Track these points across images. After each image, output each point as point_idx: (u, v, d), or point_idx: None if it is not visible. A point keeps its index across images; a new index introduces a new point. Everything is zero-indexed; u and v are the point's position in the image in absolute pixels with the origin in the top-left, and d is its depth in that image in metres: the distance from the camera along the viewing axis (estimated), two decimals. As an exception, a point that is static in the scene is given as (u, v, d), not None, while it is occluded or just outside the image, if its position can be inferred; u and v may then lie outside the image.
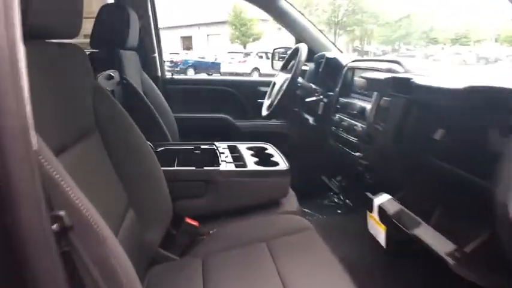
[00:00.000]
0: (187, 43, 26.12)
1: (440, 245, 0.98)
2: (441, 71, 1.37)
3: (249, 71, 16.35)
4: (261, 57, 17.41)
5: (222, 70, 16.45)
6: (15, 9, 0.43)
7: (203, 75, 12.90)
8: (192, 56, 18.35)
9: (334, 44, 2.33)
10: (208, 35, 26.87)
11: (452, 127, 1.06)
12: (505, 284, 0.93)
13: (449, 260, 0.93)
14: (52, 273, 0.49)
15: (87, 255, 0.60)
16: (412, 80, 1.02)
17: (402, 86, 1.07)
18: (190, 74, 16.22)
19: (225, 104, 2.48)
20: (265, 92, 2.21)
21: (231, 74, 15.38)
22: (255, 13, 21.58)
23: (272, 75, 2.30)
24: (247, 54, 17.64)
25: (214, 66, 17.15)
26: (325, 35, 2.32)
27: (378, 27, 27.11)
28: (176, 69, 15.81)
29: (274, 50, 2.65)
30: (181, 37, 26.13)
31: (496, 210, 0.82)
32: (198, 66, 17.27)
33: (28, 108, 0.44)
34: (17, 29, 0.43)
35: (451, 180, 1.08)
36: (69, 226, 0.55)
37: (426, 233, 1.04)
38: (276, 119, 2.37)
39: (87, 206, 0.65)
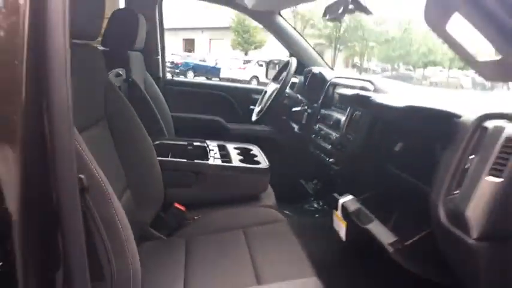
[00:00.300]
0: (189, 46, 26.27)
1: (385, 237, 1.17)
2: (406, 91, 1.57)
3: (248, 79, 16.47)
4: (261, 65, 17.49)
5: (221, 75, 16.46)
6: (67, 17, 0.61)
7: (202, 79, 13.01)
8: (193, 59, 18.40)
9: (322, 58, 2.53)
10: (210, 39, 27.04)
11: (406, 140, 1.25)
12: (436, 273, 1.12)
13: (389, 249, 1.12)
14: (77, 229, 0.66)
15: (97, 215, 0.78)
16: (371, 98, 1.21)
17: (363, 102, 1.27)
18: (190, 77, 16.31)
19: (219, 107, 2.67)
20: (257, 99, 2.41)
21: (230, 80, 15.50)
22: (259, 21, 21.76)
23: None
24: (247, 62, 17.76)
25: (214, 71, 17.15)
26: (316, 51, 2.52)
27: (378, 45, 27.43)
28: (176, 70, 15.88)
29: (269, 60, 2.84)
30: (183, 39, 26.29)
31: (431, 211, 1.02)
32: (198, 70, 17.29)
33: (70, 96, 0.63)
34: (68, 34, 0.61)
35: (403, 185, 1.27)
36: (86, 187, 0.73)
37: (376, 227, 1.23)
38: (265, 125, 2.56)
39: (100, 174, 0.83)
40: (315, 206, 2.31)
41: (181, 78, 5.04)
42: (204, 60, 18.59)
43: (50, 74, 0.59)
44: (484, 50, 0.94)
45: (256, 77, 16.71)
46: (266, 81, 2.75)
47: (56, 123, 0.60)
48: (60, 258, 0.65)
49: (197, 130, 2.40)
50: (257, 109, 2.28)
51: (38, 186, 0.62)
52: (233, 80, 15.30)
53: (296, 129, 2.26)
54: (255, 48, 25.89)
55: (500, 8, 0.74)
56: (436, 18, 0.89)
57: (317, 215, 2.29)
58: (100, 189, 0.82)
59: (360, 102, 1.31)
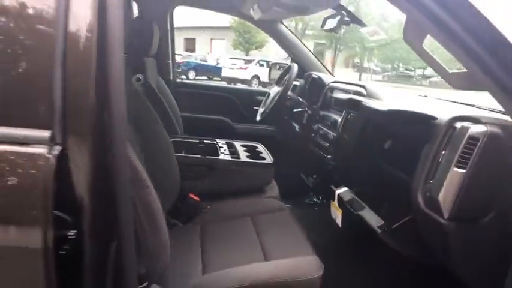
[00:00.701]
0: (190, 45, 26.38)
1: (375, 221, 1.37)
2: (395, 95, 1.76)
3: (249, 78, 16.60)
4: (261, 65, 17.61)
5: (222, 75, 16.52)
6: (122, 42, 0.79)
7: (208, 82, 13.05)
8: (194, 58, 18.46)
9: (322, 63, 2.71)
10: (212, 39, 27.16)
11: (394, 139, 1.45)
12: (416, 251, 1.31)
13: (378, 230, 1.31)
14: (129, 214, 0.84)
15: (138, 200, 0.96)
16: (362, 102, 1.41)
17: (355, 106, 1.46)
18: (191, 76, 16.41)
19: (225, 108, 2.86)
20: (261, 101, 2.60)
21: (231, 79, 15.58)
22: (260, 22, 21.84)
23: (270, 84, 2.68)
24: (248, 62, 17.86)
25: (216, 71, 17.21)
26: (316, 56, 2.71)
27: (378, 45, 27.56)
28: (178, 70, 15.94)
29: (272, 63, 3.04)
30: (184, 38, 26.41)
31: (411, 198, 1.21)
32: (199, 69, 17.38)
33: (124, 102, 0.81)
34: (122, 55, 0.80)
35: (392, 178, 1.46)
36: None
37: (367, 214, 1.43)
38: (268, 125, 2.75)
39: (140, 167, 1.02)
40: (314, 199, 2.50)
41: (190, 81, 5.20)
42: (205, 60, 18.67)
43: (110, 85, 0.78)
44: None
45: (257, 77, 16.81)
46: (267, 80, 2.93)
47: (114, 124, 0.79)
48: (114, 233, 0.83)
49: (205, 129, 2.58)
50: (261, 110, 2.47)
51: (102, 174, 0.80)
52: (234, 80, 15.45)
53: (297, 129, 2.45)
54: (256, 48, 25.99)
55: (462, 31, 0.94)
56: (413, 38, 1.09)
57: (316, 208, 2.49)
58: (140, 178, 1.00)
59: (352, 106, 1.50)
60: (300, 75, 2.47)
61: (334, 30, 1.87)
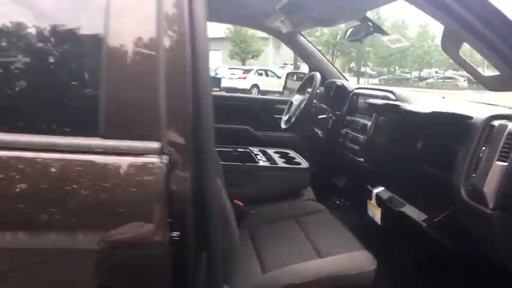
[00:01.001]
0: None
1: (418, 216, 1.47)
2: (421, 99, 1.87)
3: (249, 88, 16.72)
4: (260, 74, 17.78)
5: (222, 85, 16.63)
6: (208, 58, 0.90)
7: (219, 93, 13.15)
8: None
9: (339, 71, 2.83)
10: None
11: (426, 138, 1.55)
12: (458, 241, 1.41)
13: (423, 224, 1.42)
14: (219, 219, 0.94)
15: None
16: (400, 106, 1.52)
17: (393, 110, 1.58)
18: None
19: (247, 118, 2.96)
20: (280, 109, 2.71)
21: (231, 89, 15.69)
22: (255, 30, 22.12)
23: (271, 92, 2.76)
24: (247, 71, 18.00)
25: (215, 81, 17.15)
26: (332, 64, 2.83)
27: (374, 50, 27.90)
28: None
29: (288, 73, 3.15)
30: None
31: (453, 192, 1.31)
32: (198, 80, 17.49)
33: (212, 106, 0.91)
34: (208, 69, 0.90)
35: (426, 175, 1.57)
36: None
37: (409, 210, 1.53)
38: (291, 132, 2.86)
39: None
40: (344, 201, 2.59)
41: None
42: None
43: (201, 100, 0.88)
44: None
45: (257, 86, 16.95)
46: (266, 89, 2.99)
47: (205, 137, 0.89)
48: (208, 228, 0.93)
49: (229, 138, 2.68)
50: (285, 118, 2.58)
51: (198, 182, 0.89)
52: (234, 90, 15.57)
53: (320, 134, 2.55)
54: (252, 57, 26.23)
55: (496, 38, 1.07)
56: (451, 47, 1.21)
57: (350, 209, 2.57)
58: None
59: (390, 110, 1.61)
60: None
61: (360, 40, 1.99)
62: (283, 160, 1.99)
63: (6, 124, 0.78)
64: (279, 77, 17.07)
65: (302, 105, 2.37)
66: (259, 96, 3.59)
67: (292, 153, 2.13)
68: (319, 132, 2.57)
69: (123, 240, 0.80)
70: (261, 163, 1.92)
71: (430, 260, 1.58)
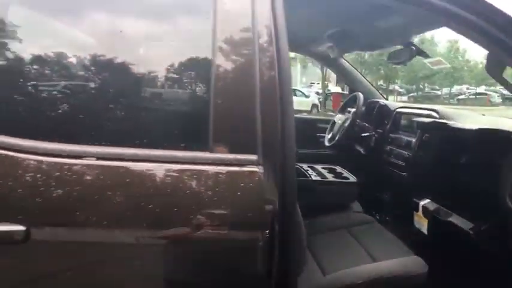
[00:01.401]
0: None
1: (465, 225, 1.59)
2: (464, 116, 1.99)
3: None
4: (290, 93, 17.98)
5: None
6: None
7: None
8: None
9: (379, 91, 2.98)
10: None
11: (469, 153, 1.68)
12: (504, 248, 1.51)
13: (470, 232, 1.53)
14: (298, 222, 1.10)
15: None
16: (448, 124, 1.66)
17: (441, 127, 1.72)
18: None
19: None
20: (322, 127, 2.86)
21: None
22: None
23: (300, 112, 2.87)
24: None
25: None
26: (371, 84, 2.98)
27: (402, 67, 27.69)
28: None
29: (327, 93, 3.31)
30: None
31: (500, 203, 1.43)
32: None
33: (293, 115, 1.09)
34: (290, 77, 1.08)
35: (470, 187, 1.68)
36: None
37: (456, 219, 1.65)
38: (334, 149, 3.00)
39: None
40: (389, 214, 2.68)
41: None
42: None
43: (285, 117, 1.05)
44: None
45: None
46: (296, 108, 3.06)
47: (289, 152, 1.06)
48: (291, 231, 1.09)
49: None
50: (328, 136, 2.74)
51: (283, 191, 1.06)
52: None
53: (362, 151, 2.68)
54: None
55: None
56: (494, 69, 1.35)
57: (397, 220, 2.67)
58: None
59: (438, 127, 1.75)
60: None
61: (403, 63, 2.14)
62: (332, 175, 2.15)
63: (142, 141, 0.98)
64: (307, 96, 17.51)
65: (346, 124, 2.53)
66: (302, 115, 3.72)
67: (339, 169, 2.27)
68: (361, 150, 2.70)
69: (226, 235, 0.98)
70: (313, 177, 2.08)
71: (477, 267, 1.68)
